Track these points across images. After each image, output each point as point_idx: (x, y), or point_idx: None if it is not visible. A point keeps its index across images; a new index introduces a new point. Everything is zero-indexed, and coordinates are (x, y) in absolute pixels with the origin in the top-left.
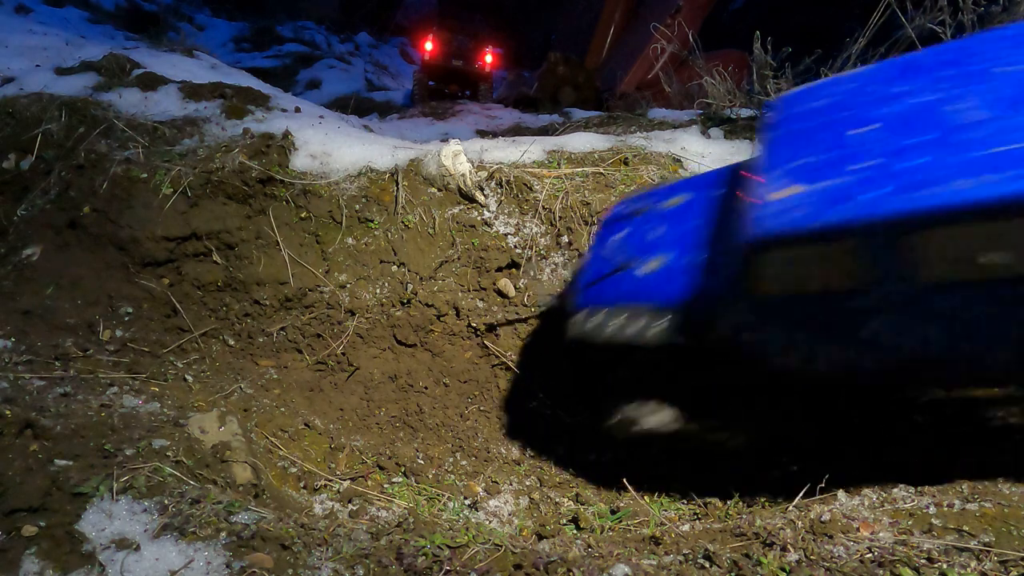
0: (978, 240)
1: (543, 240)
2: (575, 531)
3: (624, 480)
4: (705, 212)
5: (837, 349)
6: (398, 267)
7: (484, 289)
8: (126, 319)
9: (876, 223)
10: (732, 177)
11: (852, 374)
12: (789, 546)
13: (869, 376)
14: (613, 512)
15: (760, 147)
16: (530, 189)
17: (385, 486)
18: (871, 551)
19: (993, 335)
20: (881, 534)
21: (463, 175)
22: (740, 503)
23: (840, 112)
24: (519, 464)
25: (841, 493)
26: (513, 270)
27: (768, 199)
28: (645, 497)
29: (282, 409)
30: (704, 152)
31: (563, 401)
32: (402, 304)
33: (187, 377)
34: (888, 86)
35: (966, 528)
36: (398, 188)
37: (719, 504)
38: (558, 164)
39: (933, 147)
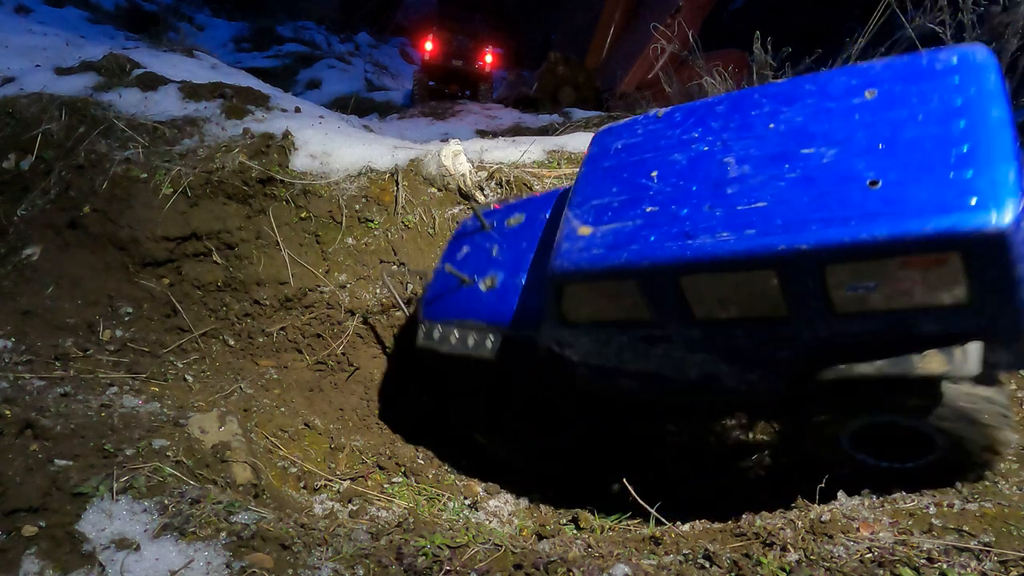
0: (734, 285)
1: None
2: (575, 531)
3: (624, 481)
4: (535, 234)
5: (638, 373)
6: (398, 267)
7: None
8: (126, 319)
9: (657, 267)
10: (562, 201)
11: (649, 395)
12: (789, 546)
13: (664, 397)
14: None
15: (576, 179)
16: (530, 189)
17: (385, 486)
18: (871, 551)
19: (753, 364)
20: (881, 534)
21: (463, 175)
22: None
23: (643, 153)
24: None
25: (841, 493)
26: None
27: (576, 234)
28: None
29: (282, 409)
30: None
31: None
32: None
33: (187, 377)
34: (684, 130)
35: (966, 528)
36: (398, 188)
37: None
38: (558, 164)
39: (705, 198)
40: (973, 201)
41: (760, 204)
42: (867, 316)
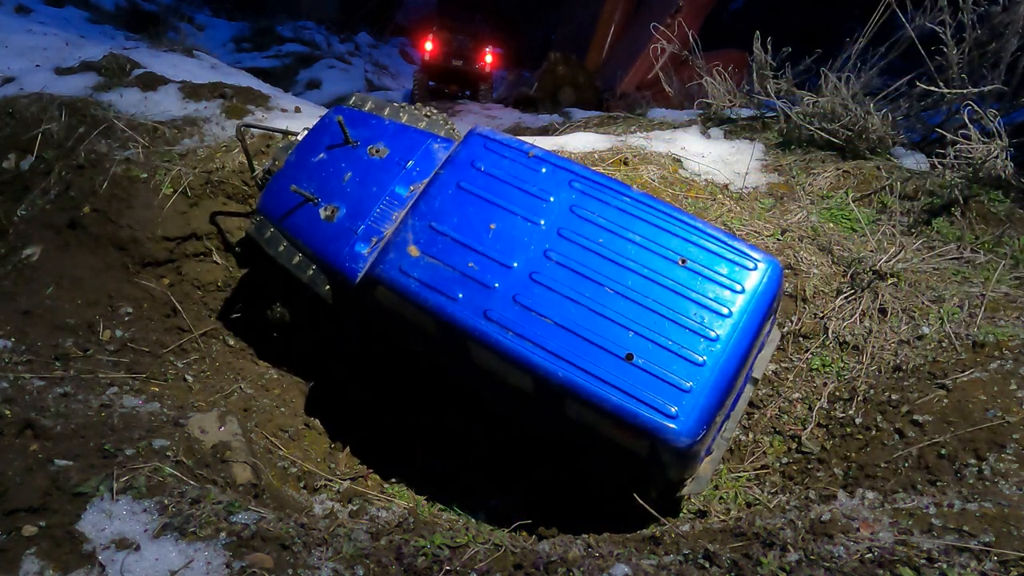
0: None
1: None
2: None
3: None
4: (389, 182)
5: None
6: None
7: None
8: (126, 319)
9: (454, 325)
10: (442, 166)
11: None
12: (789, 546)
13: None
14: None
15: (433, 179)
16: None
17: (385, 486)
18: (871, 551)
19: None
20: (881, 534)
21: None
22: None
23: (496, 193)
24: None
25: (841, 493)
26: None
27: (404, 249)
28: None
29: (282, 409)
30: (704, 152)
31: None
32: None
33: (187, 377)
34: (539, 189)
35: (966, 528)
36: None
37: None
38: None
39: (516, 285)
40: (674, 410)
41: (549, 320)
42: (586, 428)
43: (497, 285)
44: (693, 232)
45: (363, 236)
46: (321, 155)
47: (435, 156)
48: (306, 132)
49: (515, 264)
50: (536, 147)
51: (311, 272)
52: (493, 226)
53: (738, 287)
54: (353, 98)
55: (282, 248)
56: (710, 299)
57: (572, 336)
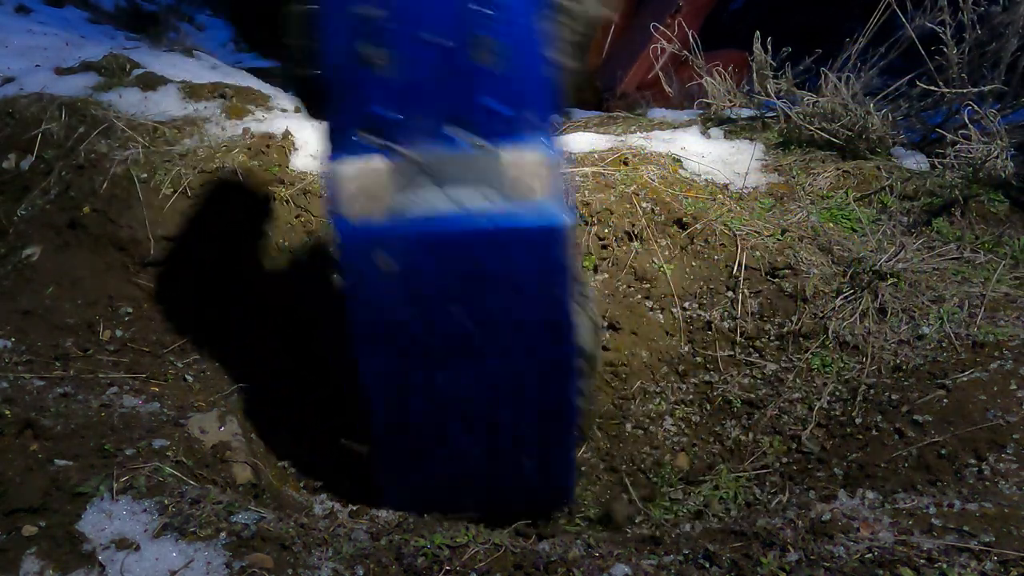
0: None
1: None
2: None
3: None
4: None
5: None
6: None
7: None
8: (126, 319)
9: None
10: None
11: None
12: (789, 546)
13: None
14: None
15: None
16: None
17: None
18: (871, 551)
19: None
20: (881, 534)
21: None
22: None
23: None
24: None
25: (841, 493)
26: None
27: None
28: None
29: None
30: (704, 152)
31: None
32: None
33: (187, 377)
34: None
35: (966, 528)
36: None
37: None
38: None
39: None
40: None
41: None
42: None
43: None
44: None
45: None
46: None
47: None
48: None
49: None
50: None
51: None
52: None
53: None
54: None
55: None
56: None
57: None
